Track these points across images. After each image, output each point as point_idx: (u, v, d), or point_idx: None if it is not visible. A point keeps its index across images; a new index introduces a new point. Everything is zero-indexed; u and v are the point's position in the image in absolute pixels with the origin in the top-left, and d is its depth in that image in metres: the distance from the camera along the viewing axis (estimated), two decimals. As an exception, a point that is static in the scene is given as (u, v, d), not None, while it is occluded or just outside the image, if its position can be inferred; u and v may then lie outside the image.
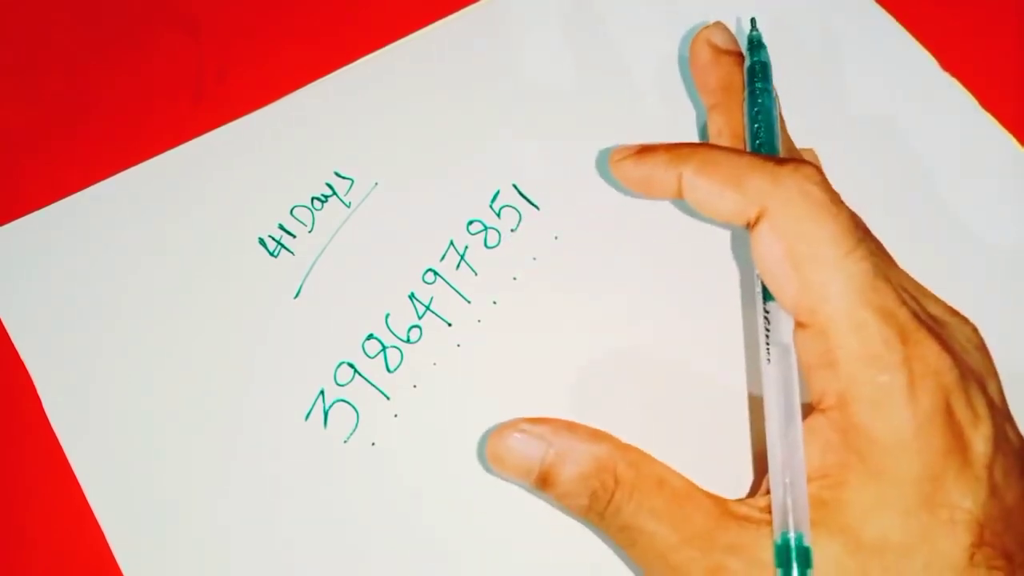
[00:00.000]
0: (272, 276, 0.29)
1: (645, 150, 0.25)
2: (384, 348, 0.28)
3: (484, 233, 0.30)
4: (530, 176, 0.30)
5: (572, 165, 0.31)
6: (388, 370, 0.28)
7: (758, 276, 0.24)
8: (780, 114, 0.27)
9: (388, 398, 0.27)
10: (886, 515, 0.20)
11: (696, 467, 0.26)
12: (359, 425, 0.27)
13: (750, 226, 0.23)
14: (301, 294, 0.29)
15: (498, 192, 0.30)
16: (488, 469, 0.26)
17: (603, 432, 0.23)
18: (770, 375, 0.23)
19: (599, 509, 0.22)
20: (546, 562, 0.25)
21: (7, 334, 0.28)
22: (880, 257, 0.22)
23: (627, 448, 0.23)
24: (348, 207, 0.30)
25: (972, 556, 0.19)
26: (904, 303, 0.21)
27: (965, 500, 0.20)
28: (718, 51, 0.28)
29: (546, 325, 0.28)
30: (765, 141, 0.26)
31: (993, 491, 0.20)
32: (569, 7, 0.34)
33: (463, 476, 0.26)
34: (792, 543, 0.20)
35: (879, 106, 0.31)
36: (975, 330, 0.23)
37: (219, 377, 0.27)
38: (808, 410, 0.22)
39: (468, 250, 0.29)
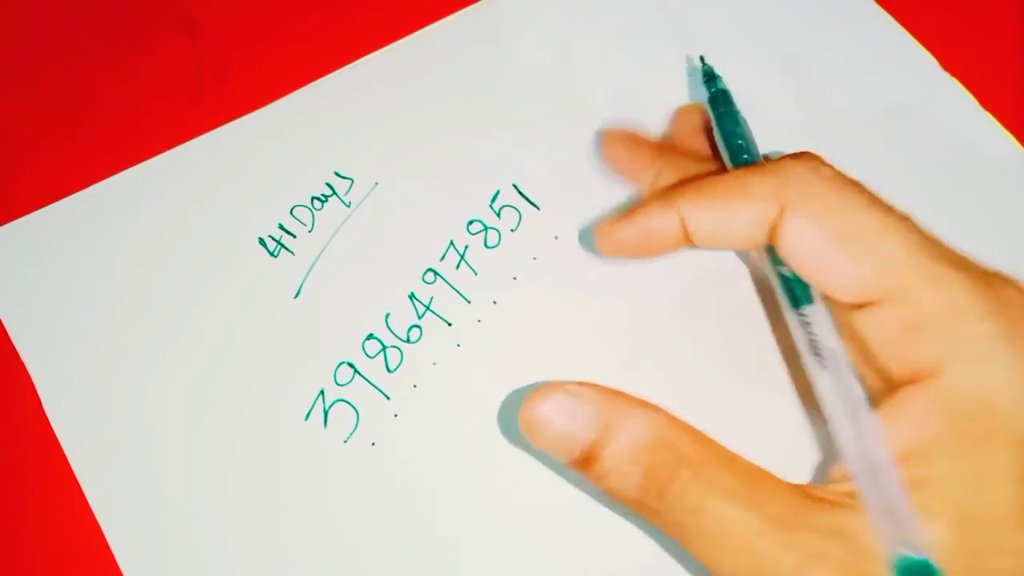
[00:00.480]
0: (272, 276, 0.29)
1: (631, 210, 0.24)
2: (384, 348, 0.28)
3: (484, 233, 0.30)
4: (530, 176, 0.30)
5: (572, 165, 0.31)
6: (388, 370, 0.28)
7: (781, 284, 0.22)
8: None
9: (388, 398, 0.27)
10: (993, 485, 0.18)
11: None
12: (359, 425, 0.27)
13: (772, 231, 0.21)
14: (301, 294, 0.29)
15: (498, 192, 0.30)
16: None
17: (652, 403, 0.20)
18: (826, 381, 0.20)
19: (657, 489, 0.19)
20: (548, 562, 0.25)
21: (7, 334, 0.28)
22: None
23: (682, 422, 0.20)
24: (348, 207, 0.30)
25: None
26: (961, 253, 0.20)
27: None
28: (626, 139, 0.28)
29: (546, 325, 0.28)
30: (748, 152, 0.25)
31: None
32: (569, 7, 0.34)
33: (463, 476, 0.26)
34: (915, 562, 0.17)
35: (879, 106, 0.31)
36: None
37: (219, 377, 0.27)
38: (884, 392, 0.21)
39: (468, 250, 0.29)
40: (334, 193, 0.30)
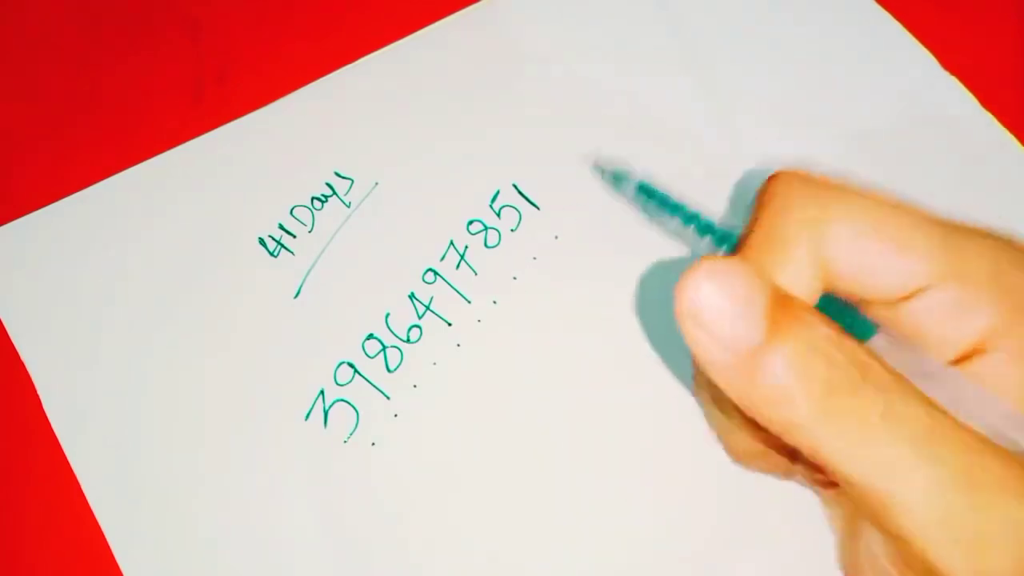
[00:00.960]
0: (272, 276, 0.29)
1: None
2: (384, 348, 0.28)
3: (484, 233, 0.30)
4: (530, 176, 0.30)
5: (572, 165, 0.31)
6: (388, 370, 0.28)
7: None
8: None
9: (388, 398, 0.27)
10: None
11: (697, 465, 0.26)
12: (359, 425, 0.27)
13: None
14: (301, 294, 0.29)
15: (498, 192, 0.30)
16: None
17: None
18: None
19: (828, 408, 0.16)
20: (548, 562, 0.25)
21: (7, 334, 0.28)
22: None
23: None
24: (348, 207, 0.30)
25: None
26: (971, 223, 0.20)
27: None
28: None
29: (546, 325, 0.28)
30: (709, 223, 0.22)
31: None
32: (568, 6, 0.34)
33: (463, 476, 0.26)
34: None
35: (879, 106, 0.31)
36: None
37: (219, 377, 0.27)
38: None
39: (468, 250, 0.29)
40: (334, 193, 0.30)
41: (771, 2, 0.34)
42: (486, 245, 0.29)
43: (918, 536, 0.16)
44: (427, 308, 0.28)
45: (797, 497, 0.25)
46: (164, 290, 0.29)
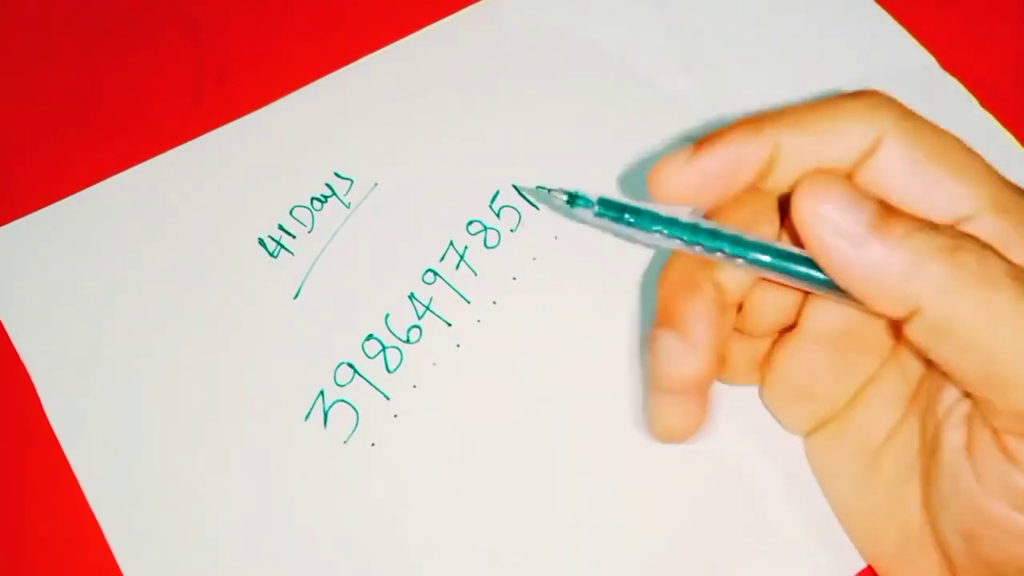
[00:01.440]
0: (272, 276, 0.29)
1: (707, 139, 0.20)
2: (384, 348, 0.28)
3: (484, 233, 0.30)
4: (530, 176, 0.30)
5: (572, 165, 0.31)
6: (388, 370, 0.28)
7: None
8: None
9: (388, 398, 0.27)
10: None
11: (697, 464, 0.26)
12: (359, 425, 0.27)
13: (863, 156, 0.20)
14: (301, 294, 0.29)
15: (498, 192, 0.30)
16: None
17: None
18: None
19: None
20: (547, 562, 0.25)
21: (7, 334, 0.28)
22: None
23: None
24: (348, 207, 0.30)
25: None
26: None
27: None
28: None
29: (546, 325, 0.28)
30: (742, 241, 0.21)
31: None
32: (568, 6, 0.34)
33: (463, 476, 0.26)
34: None
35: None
36: None
37: (219, 377, 0.27)
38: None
39: (468, 250, 0.29)
40: (334, 194, 0.30)
41: (771, 2, 0.34)
42: (486, 245, 0.29)
43: None
44: (427, 308, 0.28)
45: (798, 498, 0.26)
46: (164, 290, 0.29)
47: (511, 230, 0.30)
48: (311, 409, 0.27)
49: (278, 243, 0.30)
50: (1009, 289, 0.18)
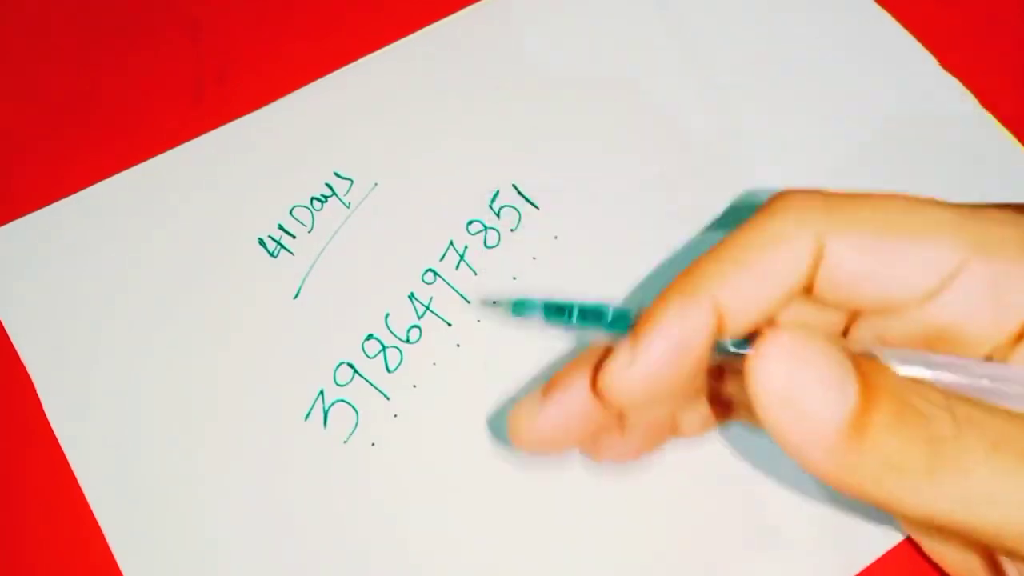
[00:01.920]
0: (272, 276, 0.29)
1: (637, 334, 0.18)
2: (384, 348, 0.28)
3: (484, 233, 0.30)
4: (530, 176, 0.30)
5: (572, 165, 0.31)
6: (388, 370, 0.28)
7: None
8: None
9: (388, 398, 0.27)
10: None
11: (698, 464, 0.26)
12: (359, 425, 0.27)
13: (813, 270, 0.18)
14: (301, 294, 0.29)
15: (498, 192, 0.30)
16: (495, 461, 0.26)
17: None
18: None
19: (937, 463, 0.15)
20: (547, 562, 0.25)
21: (7, 334, 0.28)
22: None
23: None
24: (348, 207, 0.30)
25: None
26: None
27: None
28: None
29: (546, 325, 0.28)
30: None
31: None
32: (568, 6, 0.34)
33: (463, 476, 0.26)
34: None
35: (879, 106, 0.31)
36: None
37: (219, 377, 0.27)
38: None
39: (468, 250, 0.29)
40: (334, 193, 0.30)
41: (771, 2, 0.34)
42: (486, 245, 0.29)
43: None
44: (427, 308, 0.28)
45: (799, 498, 0.26)
46: (164, 290, 0.29)
47: (511, 230, 0.30)
48: (311, 409, 0.27)
49: (278, 243, 0.30)
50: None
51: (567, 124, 0.31)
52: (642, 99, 0.32)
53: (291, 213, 0.30)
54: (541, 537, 0.25)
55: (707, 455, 0.26)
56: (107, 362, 0.28)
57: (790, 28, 0.33)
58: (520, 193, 0.30)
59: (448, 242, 0.29)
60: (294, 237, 0.30)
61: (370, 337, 0.28)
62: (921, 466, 0.15)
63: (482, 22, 0.33)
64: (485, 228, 0.30)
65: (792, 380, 0.15)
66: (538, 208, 0.30)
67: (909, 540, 0.25)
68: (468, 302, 0.29)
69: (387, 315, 0.28)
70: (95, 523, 0.26)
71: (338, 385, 0.27)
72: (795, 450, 0.15)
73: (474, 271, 0.29)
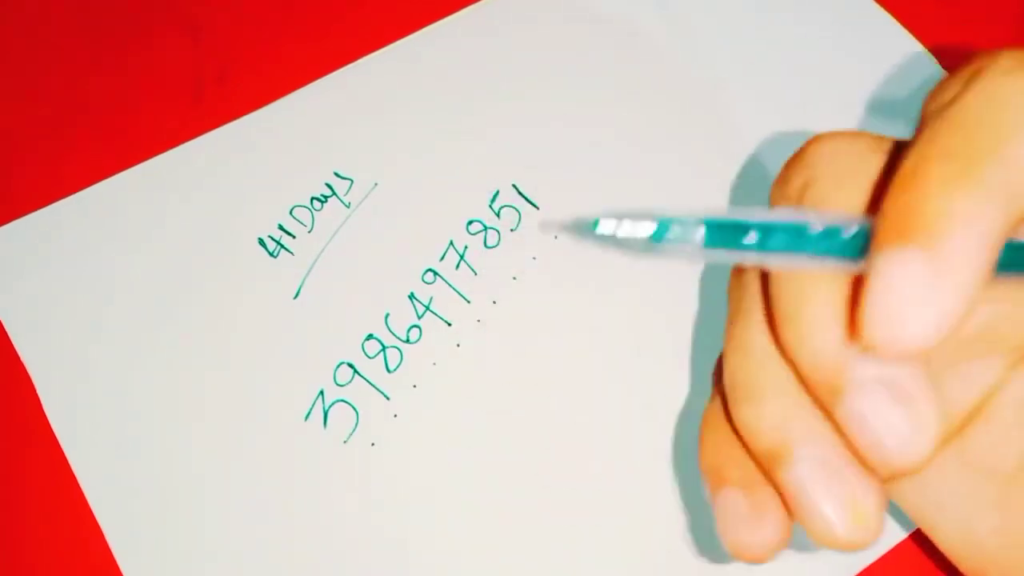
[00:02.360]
0: (272, 276, 0.29)
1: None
2: (384, 348, 0.28)
3: (484, 233, 0.30)
4: (530, 176, 0.30)
5: (572, 165, 0.31)
6: (388, 370, 0.28)
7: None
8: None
9: (388, 398, 0.27)
10: None
11: (697, 464, 0.26)
12: (359, 425, 0.27)
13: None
14: (301, 294, 0.29)
15: (498, 192, 0.30)
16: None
17: None
18: None
19: None
20: (547, 562, 0.25)
21: (7, 334, 0.28)
22: None
23: None
24: (348, 207, 0.30)
25: None
26: None
27: None
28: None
29: (546, 325, 0.28)
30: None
31: None
32: (568, 6, 0.34)
33: (463, 476, 0.26)
34: None
35: (879, 106, 0.31)
36: None
37: (219, 377, 0.27)
38: None
39: (468, 250, 0.29)
40: (334, 193, 0.30)
41: (771, 2, 0.34)
42: (486, 245, 0.29)
43: None
44: (427, 308, 0.28)
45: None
46: (164, 290, 0.29)
47: (511, 230, 0.30)
48: (311, 409, 0.27)
49: (278, 243, 0.30)
50: None
51: (567, 124, 0.31)
52: (642, 99, 0.32)
53: (291, 213, 0.30)
54: (541, 537, 0.25)
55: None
56: (107, 362, 0.28)
57: (790, 28, 0.33)
58: (520, 193, 0.30)
59: (448, 242, 0.29)
60: (294, 237, 0.30)
61: (370, 337, 0.28)
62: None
63: (482, 22, 0.33)
64: (485, 228, 0.30)
65: (887, 427, 0.14)
66: (538, 208, 0.30)
67: (911, 539, 0.25)
68: (468, 302, 0.29)
69: (387, 315, 0.28)
70: (95, 523, 0.26)
71: (338, 385, 0.27)
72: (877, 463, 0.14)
73: (474, 271, 0.29)
